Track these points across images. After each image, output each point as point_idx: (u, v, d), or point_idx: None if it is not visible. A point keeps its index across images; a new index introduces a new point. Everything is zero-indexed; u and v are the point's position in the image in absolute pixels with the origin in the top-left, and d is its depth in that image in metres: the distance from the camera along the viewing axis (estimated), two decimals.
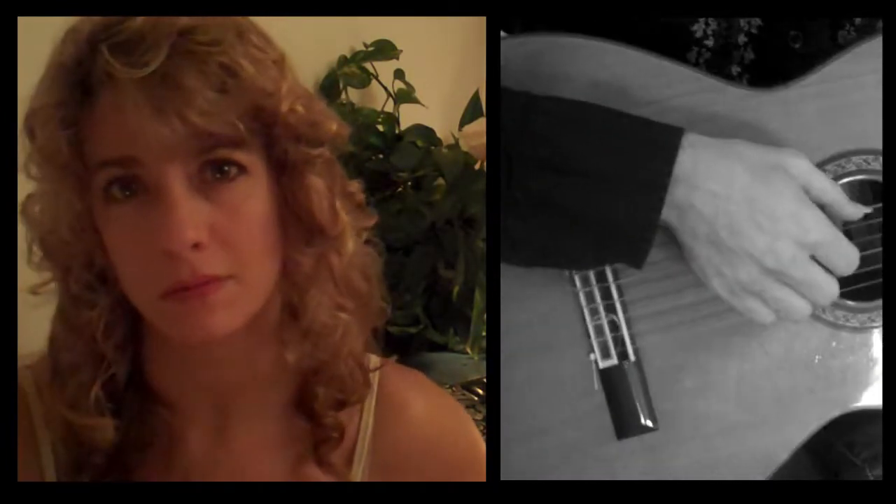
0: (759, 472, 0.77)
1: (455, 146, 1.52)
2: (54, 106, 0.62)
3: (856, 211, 0.74)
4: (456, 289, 1.37)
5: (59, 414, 0.67)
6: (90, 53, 0.61)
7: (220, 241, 0.62)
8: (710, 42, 0.81)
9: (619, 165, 0.70)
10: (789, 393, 0.77)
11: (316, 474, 0.72)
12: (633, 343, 0.77)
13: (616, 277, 0.77)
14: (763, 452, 0.78)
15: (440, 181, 1.46)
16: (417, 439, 0.75)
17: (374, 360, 0.76)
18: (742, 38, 0.81)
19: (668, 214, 0.71)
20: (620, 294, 0.77)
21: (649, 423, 0.77)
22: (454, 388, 1.40)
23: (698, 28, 0.80)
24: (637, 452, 0.78)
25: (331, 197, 0.68)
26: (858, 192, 0.80)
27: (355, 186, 0.71)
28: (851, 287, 0.76)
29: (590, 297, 0.77)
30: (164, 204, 0.60)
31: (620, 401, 0.77)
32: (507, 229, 0.72)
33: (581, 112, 0.71)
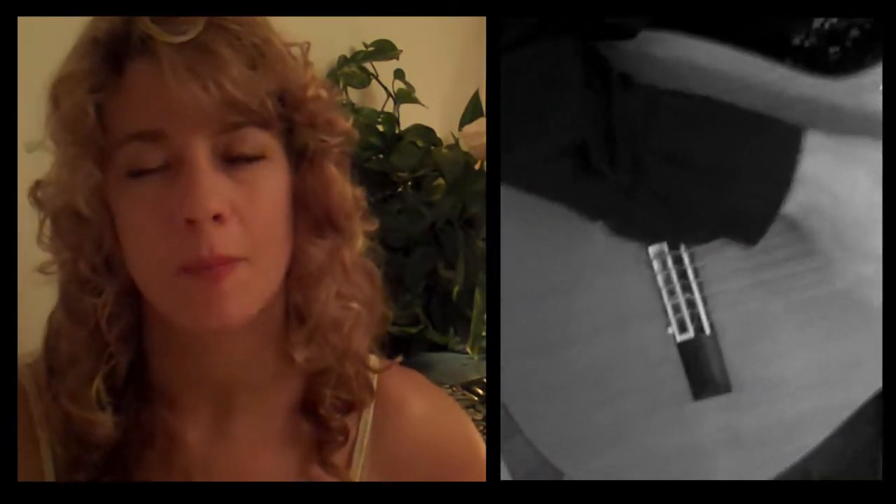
0: (824, 428, 0.83)
1: (455, 146, 1.52)
2: (84, 73, 0.62)
3: None
4: (456, 289, 1.37)
5: (59, 410, 0.67)
6: (124, 27, 0.62)
7: (239, 220, 0.62)
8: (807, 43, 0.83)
9: (744, 162, 0.73)
10: (855, 360, 0.82)
11: (317, 475, 0.72)
12: (708, 318, 0.83)
13: (692, 261, 0.83)
14: (828, 411, 0.83)
15: (440, 181, 1.46)
16: (416, 439, 0.75)
17: (375, 361, 0.76)
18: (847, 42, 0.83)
19: (791, 210, 0.74)
20: (696, 275, 0.83)
21: (723, 387, 0.83)
22: (454, 388, 1.40)
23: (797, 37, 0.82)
24: (711, 412, 0.84)
25: (347, 188, 0.69)
26: None
27: (359, 192, 0.72)
28: None
29: (667, 280, 0.84)
30: (189, 174, 0.61)
31: (697, 368, 0.84)
32: (635, 220, 0.77)
33: (705, 107, 0.74)
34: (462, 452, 0.77)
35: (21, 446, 0.68)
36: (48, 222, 0.67)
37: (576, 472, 0.87)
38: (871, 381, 0.82)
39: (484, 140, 1.42)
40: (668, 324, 0.84)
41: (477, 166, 1.46)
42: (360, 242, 0.71)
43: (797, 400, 0.83)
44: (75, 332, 0.66)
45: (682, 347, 0.84)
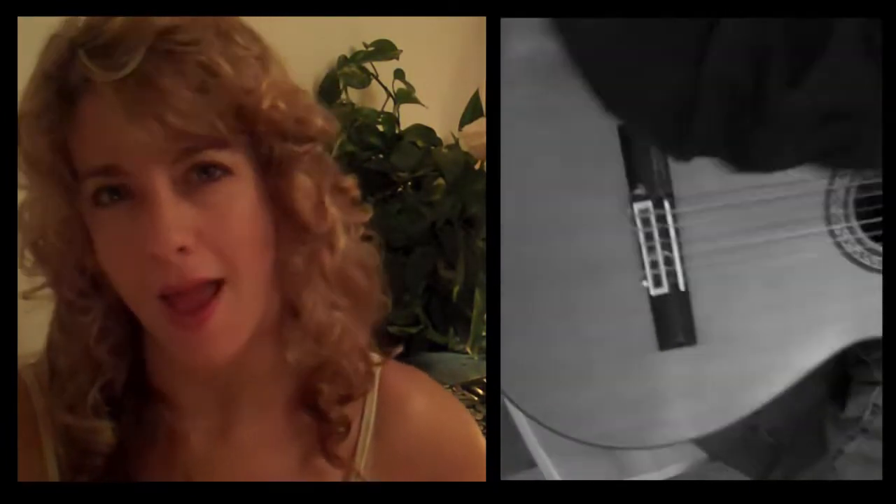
0: (784, 381, 0.89)
1: (455, 146, 1.52)
2: (37, 114, 0.62)
3: None
4: (456, 289, 1.37)
5: (59, 415, 0.67)
6: (70, 59, 0.61)
7: (208, 245, 0.61)
8: None
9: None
10: (819, 322, 0.88)
11: (322, 467, 0.72)
12: (684, 276, 0.89)
13: (675, 221, 0.89)
14: (787, 367, 0.89)
15: (440, 181, 1.46)
16: (418, 435, 0.75)
17: (374, 356, 0.75)
18: None
19: None
20: (678, 235, 0.89)
21: (688, 340, 0.89)
22: (454, 388, 1.40)
23: None
24: (675, 362, 0.90)
25: (318, 194, 0.67)
26: None
27: (349, 182, 0.71)
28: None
29: (648, 236, 0.89)
30: (150, 209, 0.60)
31: (665, 321, 0.89)
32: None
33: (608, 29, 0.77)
34: (463, 450, 0.77)
35: (24, 445, 0.68)
36: (27, 248, 0.66)
37: (528, 404, 0.91)
38: (829, 344, 0.88)
39: (484, 140, 1.41)
40: (644, 278, 0.89)
41: (477, 166, 1.46)
42: (345, 239, 0.69)
43: (757, 355, 0.89)
44: (70, 347, 0.67)
45: (655, 301, 0.89)
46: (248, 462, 0.71)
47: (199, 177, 0.62)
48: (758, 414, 0.90)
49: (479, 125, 1.55)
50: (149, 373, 0.70)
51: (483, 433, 0.80)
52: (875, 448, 0.90)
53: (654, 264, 0.88)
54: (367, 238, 0.72)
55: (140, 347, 0.70)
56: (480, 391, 1.40)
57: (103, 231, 0.63)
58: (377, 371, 0.75)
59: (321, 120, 0.67)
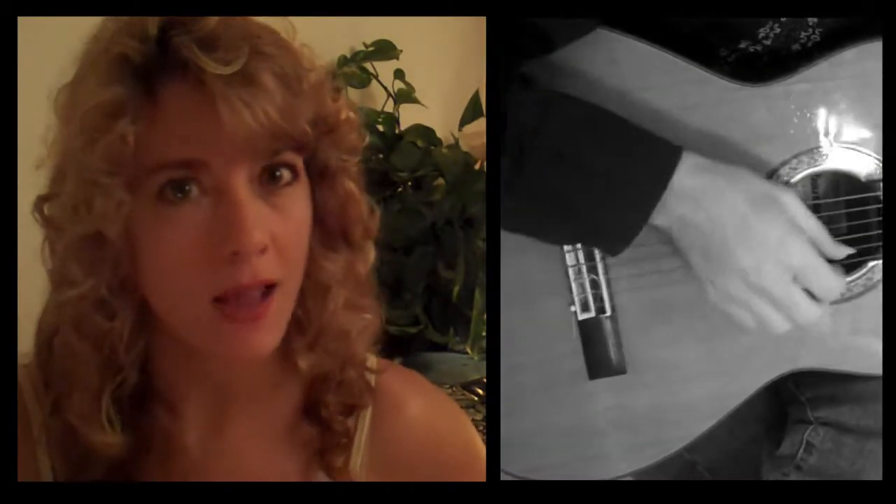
0: (713, 414, 0.87)
1: (455, 146, 1.52)
2: (121, 102, 0.60)
3: (838, 251, 0.80)
4: (456, 289, 1.37)
5: (57, 416, 0.66)
6: (159, 49, 0.60)
7: (276, 246, 0.62)
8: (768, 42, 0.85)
9: (620, 172, 0.77)
10: (747, 351, 0.86)
11: (320, 478, 0.72)
12: (611, 300, 0.86)
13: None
14: (718, 399, 0.87)
15: (440, 181, 1.46)
16: (413, 439, 0.75)
17: (372, 360, 0.76)
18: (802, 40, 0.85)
19: (670, 225, 0.79)
20: (603, 258, 0.86)
21: (618, 368, 0.86)
22: (454, 388, 1.40)
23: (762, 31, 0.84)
24: (605, 392, 0.87)
25: (364, 204, 0.69)
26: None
27: (371, 204, 0.72)
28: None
29: (574, 258, 0.86)
30: (233, 205, 0.60)
31: (594, 347, 0.87)
32: (508, 210, 0.80)
33: (593, 115, 0.78)
34: (461, 453, 0.77)
35: (18, 448, 0.67)
36: (59, 243, 0.64)
37: None
38: (760, 373, 0.86)
39: (484, 140, 1.41)
40: (572, 302, 0.86)
41: (477, 166, 1.46)
42: (373, 255, 0.71)
43: (689, 385, 0.86)
44: (85, 351, 0.65)
45: (583, 326, 0.86)
46: (247, 470, 0.71)
47: (269, 181, 0.62)
48: (695, 450, 0.88)
49: (479, 125, 1.55)
50: (153, 375, 0.69)
51: (482, 433, 0.80)
52: None
53: (581, 287, 0.86)
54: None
55: (149, 353, 0.68)
56: (480, 391, 1.40)
57: (167, 230, 0.61)
58: (372, 376, 0.75)
59: (363, 139, 0.70)
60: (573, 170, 0.77)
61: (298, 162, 0.64)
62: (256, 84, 0.59)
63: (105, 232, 0.61)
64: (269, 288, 0.62)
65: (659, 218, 0.78)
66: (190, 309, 0.63)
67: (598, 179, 0.77)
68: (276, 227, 0.62)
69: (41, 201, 0.65)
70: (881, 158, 0.82)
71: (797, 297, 0.78)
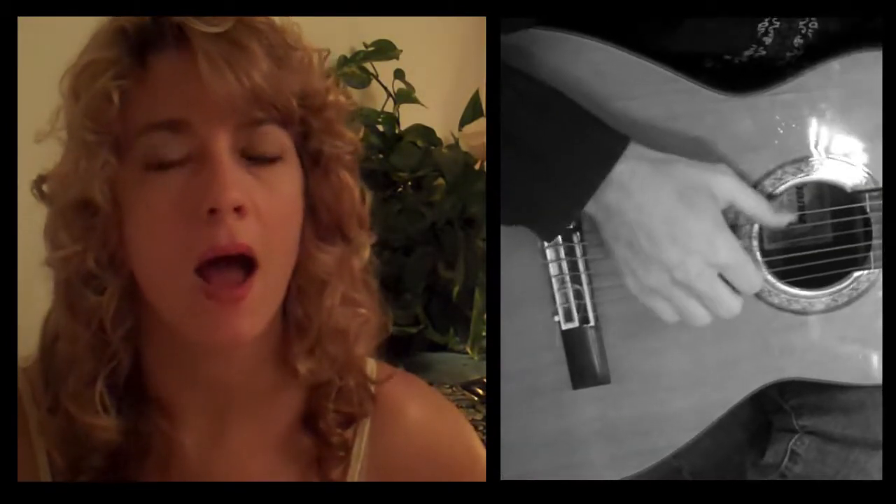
0: (697, 425, 0.86)
1: (455, 146, 1.52)
2: (109, 61, 0.62)
3: (779, 221, 0.81)
4: (456, 289, 1.37)
5: (55, 415, 0.66)
6: (153, 21, 0.63)
7: (256, 216, 0.62)
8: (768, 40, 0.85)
9: (564, 156, 0.77)
10: (731, 361, 0.85)
11: None
12: (594, 311, 0.85)
13: (584, 253, 0.85)
14: (702, 409, 0.86)
15: (440, 181, 1.46)
16: (413, 444, 0.75)
17: (372, 365, 0.75)
18: (798, 40, 0.85)
19: (596, 212, 0.78)
20: (587, 268, 0.85)
21: (602, 378, 0.85)
22: (454, 389, 1.40)
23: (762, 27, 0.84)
24: (589, 401, 0.86)
25: (358, 196, 0.69)
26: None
27: (367, 198, 0.72)
28: (797, 277, 0.85)
29: (558, 269, 0.85)
30: (212, 165, 0.61)
31: (578, 357, 0.86)
32: None
33: (546, 97, 0.78)
34: (460, 457, 0.77)
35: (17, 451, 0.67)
36: (55, 216, 0.66)
37: None
38: (746, 383, 0.85)
39: (484, 140, 1.41)
40: (556, 312, 0.85)
41: (477, 166, 1.46)
42: (368, 251, 0.71)
43: (673, 395, 0.86)
44: (77, 331, 0.65)
45: (567, 336, 0.85)
46: (242, 476, 0.70)
47: (256, 156, 0.63)
48: (680, 455, 0.87)
49: (479, 125, 1.55)
50: (147, 379, 0.69)
51: (482, 434, 0.80)
52: None
53: (564, 297, 0.85)
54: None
55: (141, 351, 0.68)
56: (480, 391, 1.40)
57: (151, 194, 0.62)
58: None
59: (357, 133, 0.70)
60: (517, 148, 0.77)
61: (284, 140, 0.64)
62: (242, 48, 0.61)
63: (91, 196, 0.62)
64: (251, 268, 0.63)
65: (588, 205, 0.77)
66: (172, 281, 0.63)
67: (540, 161, 0.77)
68: (259, 199, 0.63)
69: (41, 179, 0.67)
70: (868, 169, 0.82)
71: (720, 292, 0.79)
